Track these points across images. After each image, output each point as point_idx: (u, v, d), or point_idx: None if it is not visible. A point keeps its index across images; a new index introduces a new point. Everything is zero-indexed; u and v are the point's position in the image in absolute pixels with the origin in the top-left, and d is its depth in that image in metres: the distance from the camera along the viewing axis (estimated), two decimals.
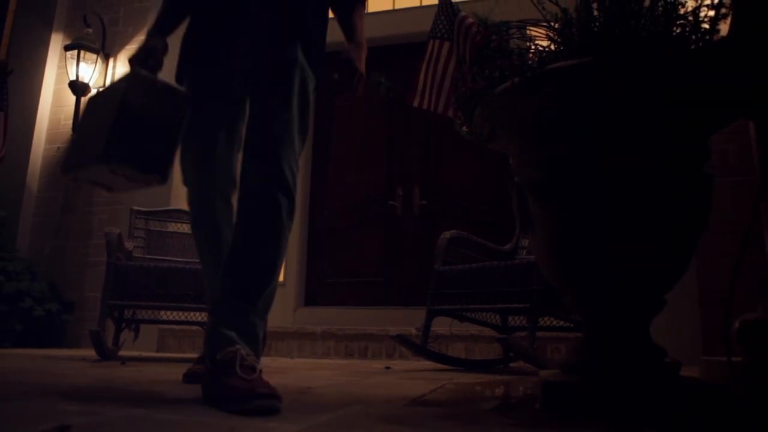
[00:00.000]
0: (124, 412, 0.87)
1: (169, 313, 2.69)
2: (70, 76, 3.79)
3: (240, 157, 1.21)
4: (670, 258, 1.02)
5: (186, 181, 1.25)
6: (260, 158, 1.13)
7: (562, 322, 2.19)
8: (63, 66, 3.93)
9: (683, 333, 2.39)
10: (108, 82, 3.87)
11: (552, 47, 1.10)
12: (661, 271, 1.02)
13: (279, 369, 2.01)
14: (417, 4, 3.97)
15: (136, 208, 2.87)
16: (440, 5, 2.26)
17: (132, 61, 1.19)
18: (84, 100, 3.86)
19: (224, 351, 0.95)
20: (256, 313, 1.07)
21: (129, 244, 2.63)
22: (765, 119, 1.11)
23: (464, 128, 1.23)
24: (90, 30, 3.86)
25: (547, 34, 1.12)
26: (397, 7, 4.02)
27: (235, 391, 0.88)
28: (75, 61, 3.74)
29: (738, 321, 1.14)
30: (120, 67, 3.88)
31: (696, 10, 1.00)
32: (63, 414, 0.83)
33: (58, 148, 3.87)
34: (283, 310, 3.76)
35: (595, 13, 1.05)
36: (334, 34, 1.42)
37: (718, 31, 1.00)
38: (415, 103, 2.32)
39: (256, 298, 1.07)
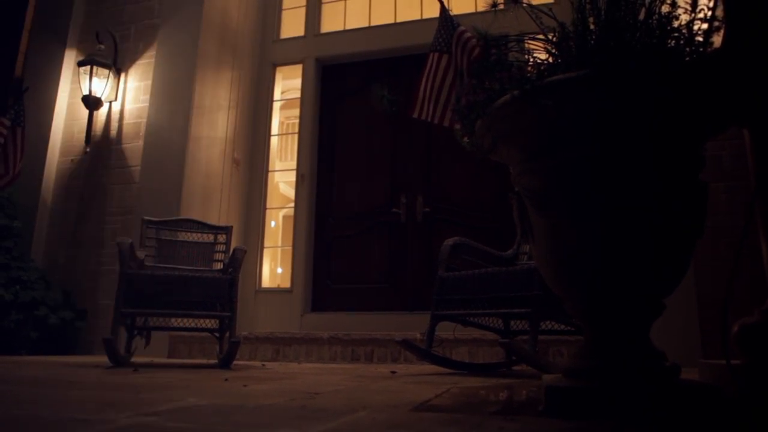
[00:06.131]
0: (136, 421, 0.90)
1: (179, 320, 2.73)
2: (83, 91, 3.88)
3: None
4: (668, 264, 1.04)
5: None
6: None
7: (563, 326, 2.21)
8: (76, 81, 4.03)
9: (682, 336, 2.39)
10: (119, 97, 3.96)
11: (550, 60, 1.13)
12: (659, 277, 1.04)
13: (287, 374, 2.04)
14: (418, 17, 4.02)
15: (147, 218, 2.93)
16: (441, 19, 2.31)
17: None
18: (96, 113, 3.95)
19: None
20: None
21: (140, 253, 2.68)
22: (758, 127, 1.14)
23: (465, 139, 1.26)
24: (102, 46, 3.96)
25: (545, 47, 1.15)
26: (398, 20, 4.08)
27: None
28: (88, 77, 3.84)
29: (737, 325, 1.15)
30: (131, 82, 3.97)
31: (690, 24, 1.03)
32: (74, 422, 0.86)
33: (72, 160, 3.96)
34: (291, 315, 3.80)
35: (592, 26, 1.08)
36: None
37: (712, 43, 1.03)
38: (415, 115, 2.37)
39: None
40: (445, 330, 2.52)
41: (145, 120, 3.83)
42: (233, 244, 3.00)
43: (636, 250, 1.01)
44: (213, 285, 2.48)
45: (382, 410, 1.04)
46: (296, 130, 4.22)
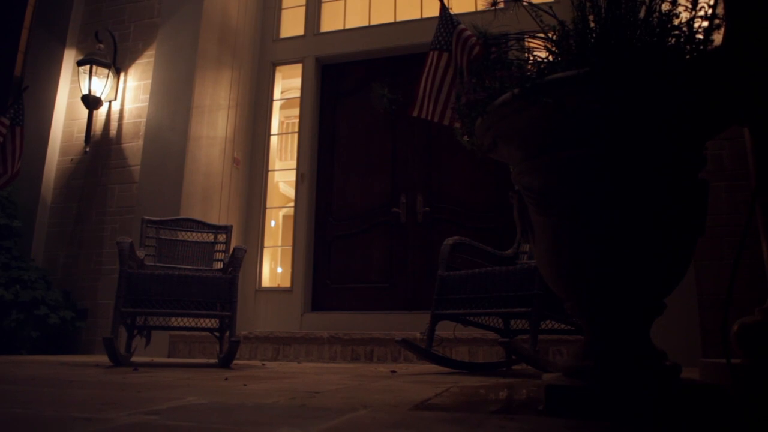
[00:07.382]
0: (136, 419, 0.90)
1: (179, 319, 2.73)
2: (83, 90, 3.88)
3: None
4: (668, 263, 1.04)
5: None
6: None
7: (563, 325, 2.21)
8: (76, 81, 4.03)
9: (682, 335, 2.40)
10: (119, 96, 3.96)
11: (550, 58, 1.13)
12: (660, 275, 1.04)
13: (287, 374, 2.04)
14: (418, 16, 4.02)
15: (147, 217, 2.93)
16: (441, 17, 2.31)
17: None
18: (96, 113, 3.95)
19: None
20: None
21: (140, 253, 2.68)
22: (758, 126, 1.14)
23: (465, 138, 1.26)
24: (102, 45, 3.96)
25: (545, 45, 1.15)
26: (398, 19, 4.07)
27: None
28: (87, 76, 3.84)
29: (737, 324, 1.15)
30: (131, 81, 3.97)
31: (690, 21, 1.03)
32: (74, 421, 0.86)
33: (72, 160, 3.96)
34: (290, 315, 3.80)
35: (592, 24, 1.08)
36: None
37: (712, 41, 1.02)
38: (415, 114, 2.36)
39: None
40: (445, 329, 2.52)
41: (144, 119, 3.83)
42: (233, 244, 3.00)
43: (636, 249, 1.01)
44: (213, 284, 2.48)
45: (382, 409, 1.04)
46: (296, 129, 4.21)
